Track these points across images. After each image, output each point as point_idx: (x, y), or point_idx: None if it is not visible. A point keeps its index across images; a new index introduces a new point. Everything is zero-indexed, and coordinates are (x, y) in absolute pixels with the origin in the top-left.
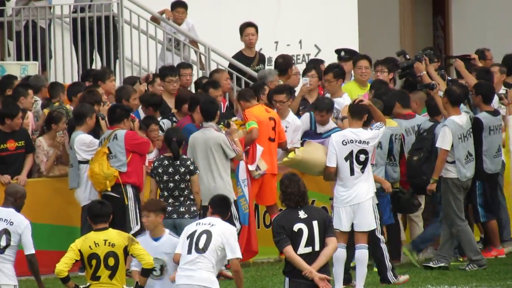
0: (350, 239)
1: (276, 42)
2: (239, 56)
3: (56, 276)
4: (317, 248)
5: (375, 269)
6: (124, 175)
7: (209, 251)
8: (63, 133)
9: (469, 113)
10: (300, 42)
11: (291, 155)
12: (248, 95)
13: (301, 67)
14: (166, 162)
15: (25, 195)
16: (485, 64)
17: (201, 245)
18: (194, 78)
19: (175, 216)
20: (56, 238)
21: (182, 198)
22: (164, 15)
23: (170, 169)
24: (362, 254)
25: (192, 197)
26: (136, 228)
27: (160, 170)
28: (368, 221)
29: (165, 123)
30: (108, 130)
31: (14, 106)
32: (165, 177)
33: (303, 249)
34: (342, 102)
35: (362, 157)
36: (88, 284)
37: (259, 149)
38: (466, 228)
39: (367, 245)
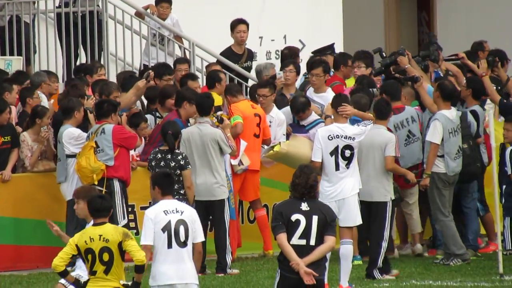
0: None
1: (261, 37)
2: (228, 52)
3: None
4: (312, 242)
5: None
6: (111, 169)
7: (189, 242)
8: (47, 128)
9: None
10: (285, 37)
11: (276, 148)
12: (235, 90)
13: None
14: (159, 155)
15: None
16: (484, 56)
17: (182, 238)
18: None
19: None
20: (40, 233)
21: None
22: (148, 10)
23: (162, 163)
24: (346, 249)
25: (182, 192)
26: (123, 222)
27: (153, 163)
28: (353, 216)
29: (148, 118)
30: (96, 124)
31: (2, 101)
32: (157, 170)
33: (296, 240)
34: (327, 96)
35: (347, 153)
36: (87, 278)
37: (243, 144)
38: (449, 223)
39: (351, 240)
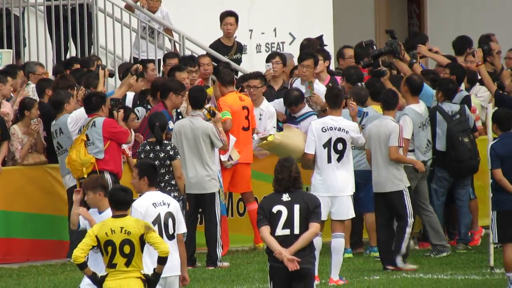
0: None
1: (251, 30)
2: (217, 44)
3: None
4: (296, 231)
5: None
6: (101, 162)
7: (175, 234)
8: (37, 121)
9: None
10: (275, 30)
11: (270, 138)
12: (226, 80)
13: None
14: (148, 147)
15: None
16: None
17: (171, 230)
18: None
19: None
20: (30, 226)
21: (162, 184)
22: (138, 3)
23: (151, 155)
24: (338, 242)
25: (173, 182)
26: None
27: (142, 156)
28: (346, 210)
29: (140, 111)
30: (87, 117)
31: None
32: (142, 161)
33: (280, 231)
34: (317, 88)
35: (339, 146)
36: (105, 273)
37: (232, 139)
38: (431, 214)
39: (343, 234)
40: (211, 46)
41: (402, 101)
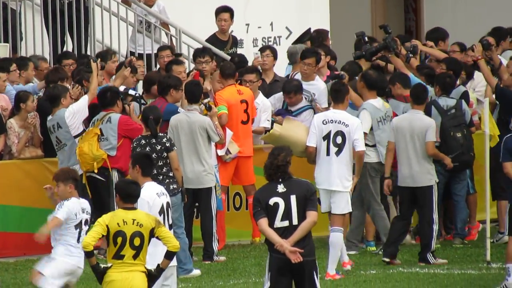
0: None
1: (247, 24)
2: (213, 38)
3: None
4: (295, 222)
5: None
6: (112, 159)
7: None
8: (34, 115)
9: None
10: (271, 24)
11: (272, 130)
12: (226, 73)
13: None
14: (143, 141)
15: None
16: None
17: (170, 220)
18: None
19: None
20: (26, 220)
21: (160, 177)
22: None
23: (147, 148)
24: (336, 237)
25: (171, 174)
26: None
27: (138, 150)
28: (342, 205)
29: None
30: (102, 112)
31: None
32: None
33: (279, 222)
34: (318, 85)
35: (338, 139)
36: (109, 264)
37: (229, 133)
38: (382, 212)
39: (341, 228)
40: (207, 41)
41: (359, 101)
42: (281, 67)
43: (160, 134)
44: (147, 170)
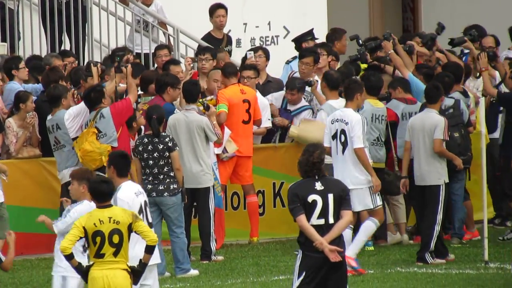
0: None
1: (245, 24)
2: (207, 37)
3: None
4: (331, 220)
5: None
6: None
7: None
8: (32, 114)
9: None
10: (269, 23)
11: (290, 132)
12: (228, 72)
13: (270, 48)
14: (146, 140)
15: None
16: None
17: (150, 219)
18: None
19: (154, 194)
20: (25, 220)
21: (161, 176)
22: None
23: (150, 147)
24: (344, 233)
25: (172, 174)
26: None
27: (140, 149)
28: (357, 202)
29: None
30: (92, 112)
31: None
32: (145, 155)
33: (316, 220)
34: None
35: (342, 138)
36: (91, 262)
37: (227, 132)
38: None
39: (351, 226)
40: (202, 39)
41: (322, 99)
42: (279, 67)
43: (163, 133)
44: (122, 171)
